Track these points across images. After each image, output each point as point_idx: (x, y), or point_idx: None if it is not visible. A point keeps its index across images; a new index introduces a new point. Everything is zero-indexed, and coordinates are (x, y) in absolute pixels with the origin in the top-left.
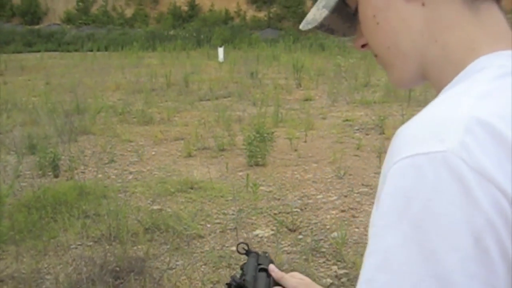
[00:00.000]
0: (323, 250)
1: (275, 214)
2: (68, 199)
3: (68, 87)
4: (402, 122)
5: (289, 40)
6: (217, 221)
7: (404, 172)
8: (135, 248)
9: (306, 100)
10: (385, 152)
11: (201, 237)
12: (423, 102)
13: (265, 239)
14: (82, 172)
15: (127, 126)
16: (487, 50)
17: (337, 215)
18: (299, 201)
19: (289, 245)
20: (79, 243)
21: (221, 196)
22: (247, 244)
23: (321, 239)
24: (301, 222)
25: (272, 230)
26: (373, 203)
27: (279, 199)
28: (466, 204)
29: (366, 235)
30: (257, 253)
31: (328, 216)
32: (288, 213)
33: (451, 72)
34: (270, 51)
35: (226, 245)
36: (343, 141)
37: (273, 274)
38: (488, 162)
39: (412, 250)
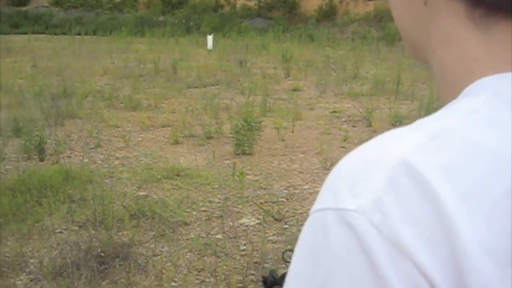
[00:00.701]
0: None
1: (261, 203)
2: (54, 183)
3: (55, 71)
4: (389, 115)
5: (279, 30)
6: (203, 208)
7: (315, 230)
8: (120, 233)
9: (294, 90)
10: None
11: (186, 224)
12: (410, 96)
13: (251, 228)
14: (68, 156)
15: (114, 111)
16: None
17: None
18: (285, 191)
19: (274, 234)
20: (64, 227)
21: (208, 184)
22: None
23: None
24: (286, 212)
25: (258, 219)
26: None
27: (265, 189)
28: (373, 283)
29: None
30: None
31: None
32: (274, 202)
33: (449, 92)
34: (260, 40)
35: (212, 233)
36: (330, 132)
37: None
38: (407, 230)
39: None
